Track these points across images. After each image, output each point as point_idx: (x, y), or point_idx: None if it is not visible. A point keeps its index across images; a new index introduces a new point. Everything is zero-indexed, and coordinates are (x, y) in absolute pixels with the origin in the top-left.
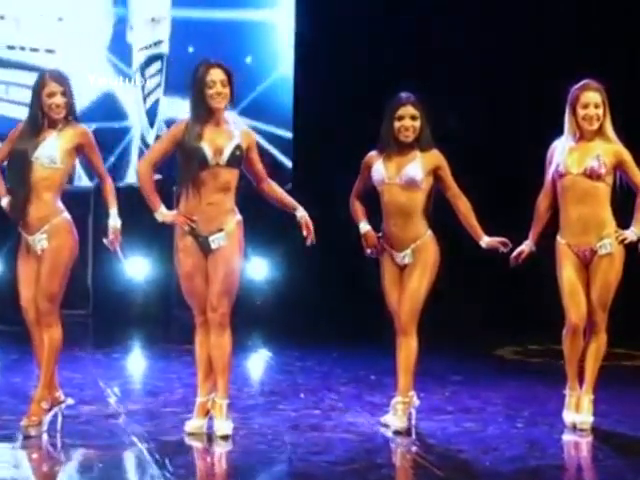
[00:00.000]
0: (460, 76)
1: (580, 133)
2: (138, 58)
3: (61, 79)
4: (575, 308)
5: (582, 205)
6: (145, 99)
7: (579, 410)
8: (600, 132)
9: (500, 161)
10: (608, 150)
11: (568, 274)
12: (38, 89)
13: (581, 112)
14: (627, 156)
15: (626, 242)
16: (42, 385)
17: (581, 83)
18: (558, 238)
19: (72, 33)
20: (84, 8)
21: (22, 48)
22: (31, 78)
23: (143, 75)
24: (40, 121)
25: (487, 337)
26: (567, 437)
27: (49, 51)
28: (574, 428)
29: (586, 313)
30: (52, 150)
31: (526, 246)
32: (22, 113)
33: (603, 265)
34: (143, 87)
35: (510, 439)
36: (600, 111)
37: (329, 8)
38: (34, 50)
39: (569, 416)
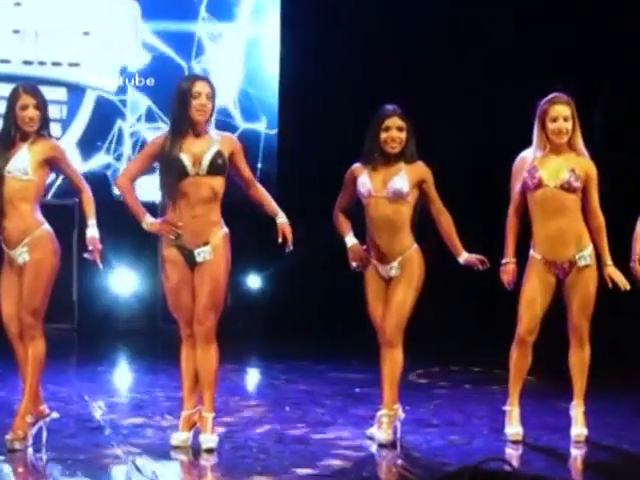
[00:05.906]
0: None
1: (550, 146)
2: None
3: (35, 92)
4: (527, 321)
5: (559, 218)
6: None
7: (574, 423)
8: (570, 145)
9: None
10: (581, 164)
11: (531, 290)
12: (11, 102)
13: (550, 126)
14: (594, 174)
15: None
16: (27, 399)
17: (550, 96)
18: (533, 253)
19: (98, 46)
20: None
21: (42, 63)
22: (51, 92)
23: None
24: (12, 135)
25: (474, 350)
26: (556, 449)
27: (73, 64)
28: (516, 442)
29: (537, 329)
30: (23, 162)
31: (513, 264)
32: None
33: (584, 276)
34: None
35: (496, 452)
36: (569, 124)
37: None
38: (56, 64)
39: (512, 429)
